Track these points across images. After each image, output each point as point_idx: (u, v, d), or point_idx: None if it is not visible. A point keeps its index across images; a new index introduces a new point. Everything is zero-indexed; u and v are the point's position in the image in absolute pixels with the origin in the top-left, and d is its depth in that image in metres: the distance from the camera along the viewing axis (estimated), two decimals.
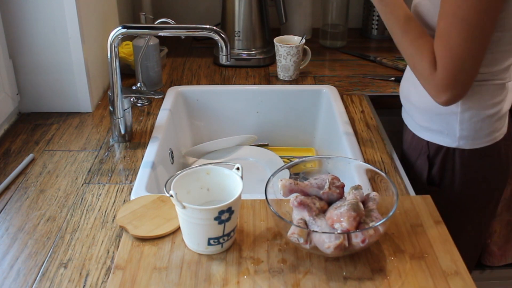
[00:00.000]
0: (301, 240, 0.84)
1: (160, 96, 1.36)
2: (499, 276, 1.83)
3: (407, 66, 1.22)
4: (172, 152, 1.35)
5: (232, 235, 0.89)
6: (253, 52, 1.73)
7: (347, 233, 0.82)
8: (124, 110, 1.23)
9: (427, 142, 1.18)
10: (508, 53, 1.07)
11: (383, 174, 0.93)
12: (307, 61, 1.64)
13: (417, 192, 1.07)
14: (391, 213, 0.84)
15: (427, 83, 1.03)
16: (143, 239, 0.92)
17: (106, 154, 1.22)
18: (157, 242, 0.91)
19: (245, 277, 0.84)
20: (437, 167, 1.18)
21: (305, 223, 0.87)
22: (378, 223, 0.83)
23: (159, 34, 1.29)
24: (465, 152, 1.15)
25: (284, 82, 1.60)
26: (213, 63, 1.74)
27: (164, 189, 0.85)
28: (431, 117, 1.15)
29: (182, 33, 1.20)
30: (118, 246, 0.92)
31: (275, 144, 1.57)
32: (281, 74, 1.60)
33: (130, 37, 1.66)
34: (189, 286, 0.82)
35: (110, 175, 1.14)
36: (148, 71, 1.52)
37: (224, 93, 1.55)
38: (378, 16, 1.95)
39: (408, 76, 1.20)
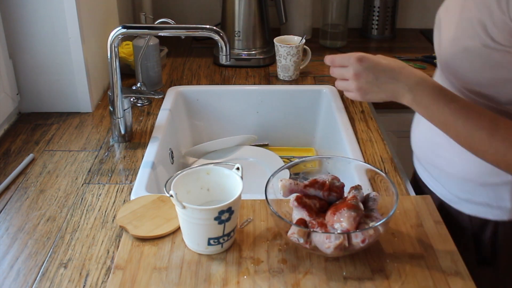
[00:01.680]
0: (301, 240, 0.84)
1: (160, 96, 1.36)
2: None
3: (416, 120, 1.06)
4: (172, 152, 1.35)
5: (232, 235, 0.89)
6: (253, 52, 1.73)
7: (347, 233, 0.82)
8: (124, 110, 1.23)
9: (469, 216, 1.00)
10: None
11: (383, 174, 0.93)
12: (307, 61, 1.64)
13: (470, 273, 0.85)
14: (391, 213, 0.84)
15: None
16: (143, 239, 0.92)
17: (106, 154, 1.22)
18: (157, 242, 0.91)
19: (245, 277, 0.84)
20: (487, 244, 1.00)
21: (305, 223, 0.87)
22: (378, 223, 0.83)
23: (159, 34, 1.29)
24: None
25: (284, 82, 1.60)
26: (213, 63, 1.74)
27: (164, 189, 0.85)
28: (473, 188, 0.97)
29: (182, 33, 1.20)
30: (118, 246, 0.92)
31: (275, 144, 1.57)
32: (281, 74, 1.60)
33: (130, 37, 1.66)
34: (189, 286, 0.82)
35: (110, 175, 1.14)
36: (148, 71, 1.52)
37: (224, 93, 1.55)
38: (378, 16, 1.95)
39: (435, 138, 0.97)
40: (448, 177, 1.01)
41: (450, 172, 1.00)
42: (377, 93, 0.87)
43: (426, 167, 1.07)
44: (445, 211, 1.03)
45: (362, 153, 1.20)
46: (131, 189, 1.07)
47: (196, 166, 0.95)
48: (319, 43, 1.92)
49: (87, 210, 1.02)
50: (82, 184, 1.10)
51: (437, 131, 0.87)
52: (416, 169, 1.14)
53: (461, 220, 1.02)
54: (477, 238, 1.01)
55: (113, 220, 0.99)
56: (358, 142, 1.25)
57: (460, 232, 1.01)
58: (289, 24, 1.89)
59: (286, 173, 0.99)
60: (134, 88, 1.47)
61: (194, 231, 0.87)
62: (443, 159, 1.01)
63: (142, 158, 1.18)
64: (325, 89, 1.53)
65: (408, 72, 0.85)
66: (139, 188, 1.07)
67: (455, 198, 1.02)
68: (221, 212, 0.84)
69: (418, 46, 1.90)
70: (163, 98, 1.46)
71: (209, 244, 0.87)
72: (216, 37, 1.12)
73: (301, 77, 1.62)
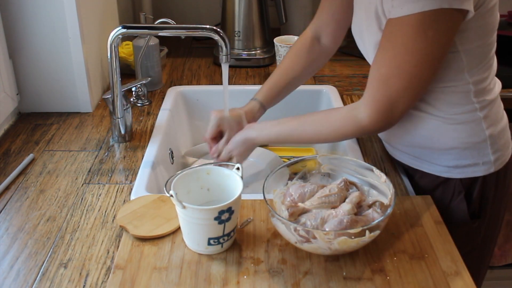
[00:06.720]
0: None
1: (148, 80, 1.40)
2: (499, 276, 1.83)
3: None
4: (172, 152, 1.35)
5: (232, 235, 0.89)
6: (253, 52, 1.73)
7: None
8: (124, 110, 1.23)
9: (460, 179, 1.06)
10: (490, 55, 1.02)
11: (383, 174, 0.93)
12: None
13: (458, 230, 1.00)
14: (388, 212, 0.84)
15: (364, 130, 0.98)
16: (143, 239, 0.92)
17: (106, 154, 1.22)
18: (157, 242, 0.91)
19: (245, 277, 0.84)
20: (477, 199, 1.07)
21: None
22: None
23: (159, 34, 1.30)
24: (501, 171, 1.07)
25: None
26: (213, 63, 1.74)
27: (164, 189, 0.85)
28: (459, 154, 1.04)
29: (182, 33, 1.20)
30: (118, 246, 0.92)
31: (275, 144, 1.57)
32: None
33: (130, 37, 1.66)
34: (189, 286, 0.82)
35: (110, 175, 1.14)
36: (148, 71, 1.52)
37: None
38: None
39: (417, 125, 1.05)
40: (436, 153, 1.06)
41: (436, 147, 1.05)
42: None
43: (414, 153, 1.10)
44: (437, 184, 1.08)
45: (362, 153, 1.20)
46: (131, 189, 1.07)
47: (196, 166, 0.95)
48: None
49: (87, 210, 1.02)
50: (82, 184, 1.10)
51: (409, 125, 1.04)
52: (408, 163, 1.13)
53: (453, 186, 1.07)
54: (468, 197, 1.07)
55: (113, 220, 0.99)
56: (358, 142, 1.25)
57: (452, 197, 1.07)
58: (289, 24, 1.89)
59: (285, 172, 0.99)
60: (134, 88, 1.47)
61: (194, 231, 0.87)
62: (427, 138, 1.05)
63: (142, 158, 1.18)
64: (325, 89, 1.53)
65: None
66: (139, 188, 1.07)
67: (445, 169, 1.06)
68: (221, 212, 0.84)
69: None
70: (163, 98, 1.47)
71: (209, 244, 0.87)
72: (216, 37, 1.12)
73: None
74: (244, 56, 1.71)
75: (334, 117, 1.02)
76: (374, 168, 0.94)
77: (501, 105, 1.08)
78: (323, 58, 1.28)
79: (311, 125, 1.05)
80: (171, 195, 0.83)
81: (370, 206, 0.89)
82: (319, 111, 1.10)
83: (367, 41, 1.06)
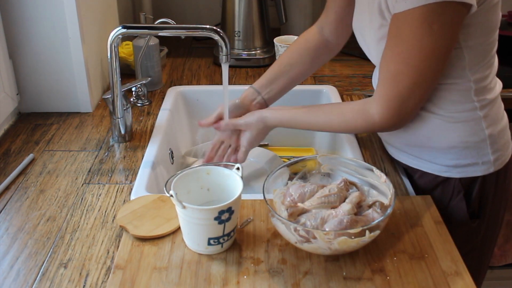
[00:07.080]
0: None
1: (148, 80, 1.39)
2: (499, 276, 1.83)
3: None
4: (172, 152, 1.35)
5: (232, 235, 0.89)
6: (253, 52, 1.73)
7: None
8: (124, 110, 1.23)
9: (459, 179, 1.06)
10: (489, 57, 1.02)
11: (383, 174, 0.93)
12: None
13: (458, 230, 1.01)
14: (387, 212, 0.84)
15: (375, 127, 1.00)
16: (143, 239, 0.92)
17: (106, 154, 1.22)
18: (157, 242, 0.91)
19: (245, 277, 0.84)
20: (476, 199, 1.08)
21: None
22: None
23: (159, 34, 1.30)
24: (501, 171, 1.07)
25: None
26: (213, 63, 1.74)
27: (164, 189, 0.85)
28: (459, 154, 1.04)
29: (182, 33, 1.20)
30: (118, 246, 0.92)
31: (275, 144, 1.57)
32: None
33: (130, 37, 1.66)
34: (189, 286, 0.82)
35: (110, 175, 1.14)
36: (148, 71, 1.52)
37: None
38: None
39: (417, 124, 1.05)
40: (435, 152, 1.06)
41: (434, 146, 1.05)
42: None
43: (412, 153, 1.10)
44: (436, 183, 1.09)
45: (362, 153, 1.20)
46: (131, 189, 1.07)
47: (196, 166, 0.95)
48: None
49: (87, 210, 1.02)
50: (82, 184, 1.10)
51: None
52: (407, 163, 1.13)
53: (452, 186, 1.07)
54: (467, 197, 1.08)
55: (113, 220, 0.99)
56: (358, 142, 1.25)
57: (451, 197, 1.08)
58: (289, 24, 1.89)
59: (285, 172, 0.99)
60: (134, 88, 1.47)
61: (194, 231, 0.87)
62: (425, 138, 1.05)
63: (142, 158, 1.18)
64: (325, 89, 1.53)
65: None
66: (139, 188, 1.07)
67: (444, 168, 1.07)
68: (221, 212, 0.84)
69: None
70: (163, 98, 1.47)
71: (209, 244, 0.87)
72: (216, 37, 1.12)
73: None
74: (244, 56, 1.71)
75: (346, 109, 1.05)
76: (374, 168, 0.94)
77: (501, 105, 1.08)
78: (326, 55, 1.28)
79: (323, 114, 1.08)
80: (171, 195, 0.83)
81: (370, 206, 0.89)
82: (333, 102, 1.12)
83: (368, 37, 1.06)
